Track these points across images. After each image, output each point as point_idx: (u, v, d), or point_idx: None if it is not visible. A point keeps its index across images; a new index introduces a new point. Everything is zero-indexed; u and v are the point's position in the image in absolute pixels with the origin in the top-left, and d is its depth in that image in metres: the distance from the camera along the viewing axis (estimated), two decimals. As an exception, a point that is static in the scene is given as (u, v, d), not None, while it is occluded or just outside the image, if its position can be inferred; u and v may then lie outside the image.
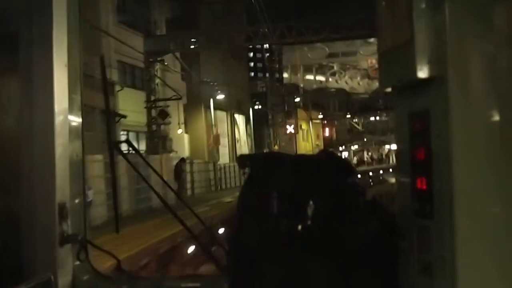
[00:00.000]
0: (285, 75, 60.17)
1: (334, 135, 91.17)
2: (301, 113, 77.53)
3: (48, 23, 2.51)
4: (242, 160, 2.17)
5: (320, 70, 58.67)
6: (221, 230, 14.57)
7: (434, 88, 1.63)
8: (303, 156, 2.66)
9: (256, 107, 63.60)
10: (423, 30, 1.63)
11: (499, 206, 1.58)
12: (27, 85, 2.51)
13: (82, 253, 2.60)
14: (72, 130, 2.65)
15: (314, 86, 61.44)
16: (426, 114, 1.68)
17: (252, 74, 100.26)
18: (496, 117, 1.60)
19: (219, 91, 47.57)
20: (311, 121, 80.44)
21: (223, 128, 52.77)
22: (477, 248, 1.58)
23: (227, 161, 50.11)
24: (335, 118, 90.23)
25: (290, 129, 72.54)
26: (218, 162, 46.02)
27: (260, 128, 64.90)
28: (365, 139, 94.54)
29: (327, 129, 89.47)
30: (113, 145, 2.81)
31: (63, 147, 2.55)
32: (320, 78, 59.41)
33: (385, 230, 1.91)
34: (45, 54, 2.50)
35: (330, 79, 58.60)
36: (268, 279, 1.92)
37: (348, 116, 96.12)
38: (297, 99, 78.63)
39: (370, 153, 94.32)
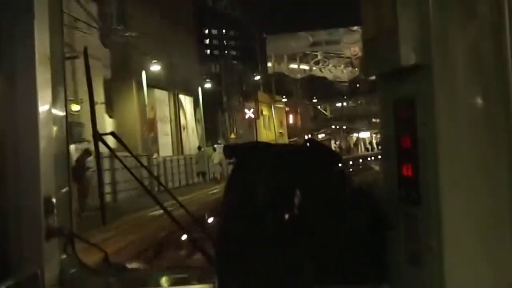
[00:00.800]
0: (269, 64, 60.01)
1: (299, 122, 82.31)
2: (262, 96, 66.90)
3: (30, 15, 2.48)
4: (227, 151, 2.17)
5: (304, 59, 58.63)
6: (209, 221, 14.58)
7: (419, 75, 1.63)
8: (288, 145, 2.67)
9: (207, 85, 51.56)
10: (407, 17, 1.63)
11: (485, 193, 1.59)
12: (9, 79, 2.48)
13: (68, 247, 2.59)
14: (56, 123, 2.63)
15: (299, 75, 61.31)
16: (412, 102, 1.68)
17: (208, 51, 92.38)
18: (481, 104, 1.60)
19: (154, 61, 37.56)
20: (274, 106, 70.74)
21: (163, 111, 42.51)
22: (464, 235, 1.59)
23: (170, 153, 41.03)
24: (300, 103, 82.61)
25: (249, 113, 61.83)
26: (155, 156, 36.39)
27: (212, 112, 53.78)
28: (332, 127, 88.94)
29: (291, 116, 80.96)
30: (98, 137, 2.79)
31: (47, 140, 2.53)
32: (304, 67, 59.38)
33: (372, 218, 1.91)
34: (27, 46, 2.47)
35: (314, 68, 58.59)
36: (255, 270, 1.93)
37: (315, 101, 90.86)
38: (257, 77, 67.36)
39: (338, 142, 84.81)
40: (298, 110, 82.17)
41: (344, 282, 1.87)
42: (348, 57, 56.28)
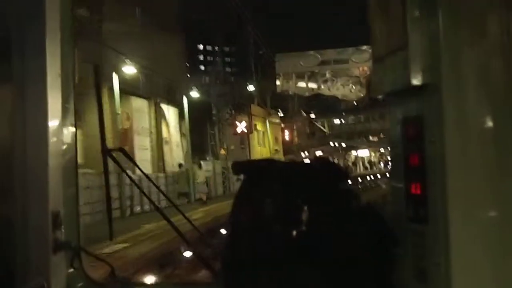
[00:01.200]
0: (278, 82, 60.14)
1: (296, 139, 76.10)
2: (256, 109, 59.11)
3: (41, 31, 2.50)
4: (236, 167, 2.18)
5: (313, 77, 58.76)
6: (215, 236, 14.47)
7: (428, 94, 1.64)
8: (296, 162, 2.67)
9: (194, 95, 43.68)
10: (417, 37, 1.64)
11: (494, 211, 1.59)
12: (20, 94, 2.50)
13: (75, 260, 2.59)
14: (65, 138, 2.64)
15: (307, 94, 61.30)
16: (420, 120, 1.68)
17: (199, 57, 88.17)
18: (490, 123, 1.61)
19: (127, 61, 31.30)
20: (269, 120, 64.82)
21: (142, 122, 36.53)
22: (471, 253, 1.59)
23: (149, 170, 34.06)
24: (297, 119, 77.71)
25: (241, 127, 52.61)
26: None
27: (200, 125, 46.05)
28: (331, 144, 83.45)
29: (287, 132, 74.24)
30: (106, 153, 2.80)
31: (56, 156, 2.54)
32: (313, 85, 59.50)
33: (379, 235, 1.91)
34: (38, 63, 2.49)
35: (322, 86, 58.68)
36: (261, 285, 1.92)
37: (313, 116, 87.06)
38: (251, 88, 59.31)
39: (335, 160, 78.96)
40: (295, 126, 77.29)
41: None
42: (356, 76, 56.34)
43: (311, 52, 57.83)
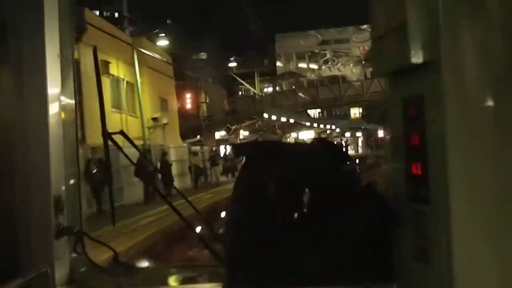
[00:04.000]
0: (278, 63, 59.94)
1: (203, 109, 49.92)
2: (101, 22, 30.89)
3: (39, 12, 2.49)
4: (236, 150, 2.17)
5: (313, 58, 58.47)
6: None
7: (428, 73, 1.63)
8: (298, 143, 2.67)
9: None
10: (416, 14, 1.63)
11: (495, 190, 1.59)
12: (19, 76, 2.49)
13: (78, 245, 2.60)
14: (66, 121, 2.64)
15: (308, 75, 60.93)
16: (421, 100, 1.68)
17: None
18: (490, 101, 1.60)
19: None
20: (143, 61, 34.01)
21: None
22: (473, 233, 1.58)
23: None
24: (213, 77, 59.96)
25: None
26: None
27: None
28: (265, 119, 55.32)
29: (188, 95, 49.54)
30: (107, 136, 2.80)
31: (57, 139, 2.54)
32: (313, 66, 59.24)
33: (380, 216, 1.91)
34: (37, 44, 2.48)
35: (323, 67, 58.40)
36: (264, 268, 1.93)
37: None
38: None
39: None
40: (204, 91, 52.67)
41: (351, 279, 1.87)
42: (357, 56, 56.10)
43: (312, 32, 57.56)
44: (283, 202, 1.95)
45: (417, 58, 1.63)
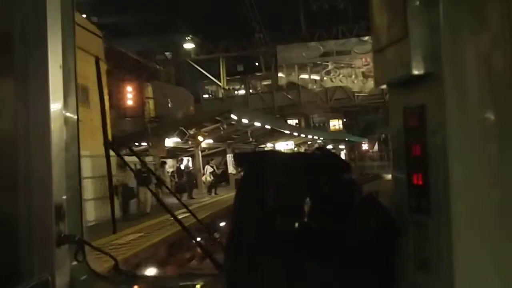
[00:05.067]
0: (280, 74, 59.96)
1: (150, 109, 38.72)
2: None
3: (43, 23, 2.50)
4: (237, 159, 2.18)
5: (315, 69, 58.54)
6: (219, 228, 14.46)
7: (429, 84, 1.64)
8: (298, 154, 2.67)
9: None
10: (418, 27, 1.64)
11: (496, 201, 1.59)
12: (22, 86, 2.50)
13: (79, 254, 2.60)
14: (68, 131, 2.65)
15: (310, 86, 60.76)
16: (422, 110, 1.68)
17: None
18: (491, 113, 1.60)
19: None
20: None
21: None
22: (474, 243, 1.59)
23: None
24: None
25: None
26: None
27: None
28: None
29: (128, 89, 38.30)
30: (108, 145, 2.81)
31: (59, 148, 2.54)
32: (315, 77, 59.31)
33: (382, 226, 1.91)
34: (39, 55, 2.49)
35: (325, 78, 58.46)
36: (265, 278, 1.93)
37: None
38: None
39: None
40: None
41: None
42: (359, 67, 56.17)
43: (313, 43, 57.66)
44: (284, 212, 1.95)
45: (418, 69, 1.64)
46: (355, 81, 56.51)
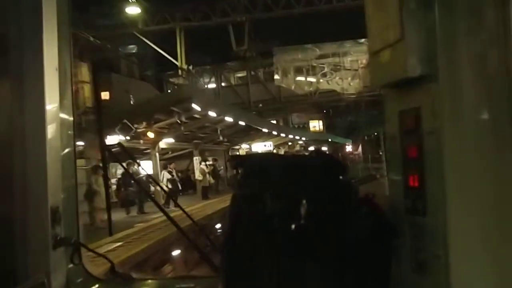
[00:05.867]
0: (276, 76, 59.87)
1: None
2: None
3: (38, 26, 2.51)
4: (234, 161, 2.18)
5: (312, 71, 58.49)
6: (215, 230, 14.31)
7: (425, 85, 1.64)
8: (295, 156, 2.67)
9: None
10: (414, 29, 1.65)
11: (492, 202, 1.60)
12: (18, 89, 2.51)
13: (75, 256, 2.60)
14: (63, 133, 2.65)
15: (306, 88, 60.54)
16: (417, 112, 1.69)
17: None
18: (487, 114, 1.61)
19: None
20: None
21: None
22: (470, 245, 1.59)
23: None
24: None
25: None
26: None
27: None
28: None
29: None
30: (105, 149, 2.81)
31: (55, 151, 2.55)
32: (311, 79, 59.27)
33: (378, 228, 1.92)
34: (35, 57, 2.50)
35: (321, 80, 58.40)
36: (261, 280, 1.93)
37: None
38: None
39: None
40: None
41: None
42: (355, 69, 56.13)
43: (309, 46, 57.62)
44: (281, 213, 1.95)
45: (413, 71, 1.64)
46: (351, 83, 56.44)
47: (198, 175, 34.59)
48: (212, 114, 28.62)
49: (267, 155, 2.18)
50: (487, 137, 1.61)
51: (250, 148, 45.71)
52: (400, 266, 1.85)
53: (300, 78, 59.02)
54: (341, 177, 2.04)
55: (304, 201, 1.94)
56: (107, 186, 3.38)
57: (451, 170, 1.58)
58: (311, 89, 56.98)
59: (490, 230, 1.60)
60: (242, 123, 34.58)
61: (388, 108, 1.93)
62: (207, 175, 35.14)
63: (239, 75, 56.53)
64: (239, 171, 2.13)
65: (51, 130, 2.52)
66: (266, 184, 2.00)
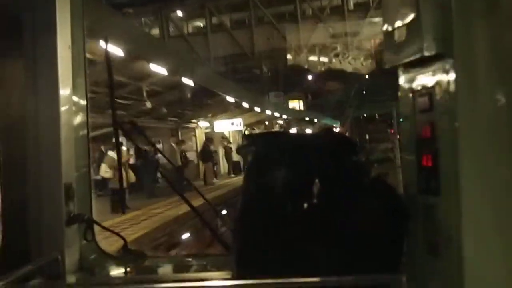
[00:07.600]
0: (288, 56, 59.38)
1: None
2: None
3: (52, 5, 2.50)
4: (247, 139, 2.18)
5: (324, 51, 58.00)
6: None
7: (440, 65, 1.63)
8: (307, 134, 2.67)
9: None
10: (429, 8, 1.63)
11: (505, 182, 1.59)
12: (31, 68, 2.51)
13: (88, 233, 2.62)
14: (77, 111, 2.66)
15: (318, 68, 59.87)
16: (432, 92, 1.68)
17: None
18: (502, 94, 1.59)
19: None
20: None
21: None
22: (483, 225, 1.58)
23: None
24: None
25: None
26: None
27: None
28: None
29: None
30: (118, 126, 2.82)
31: (68, 128, 2.56)
32: (324, 59, 58.78)
33: (391, 208, 1.91)
34: (48, 36, 2.50)
35: (333, 60, 57.92)
36: (273, 258, 1.94)
37: None
38: None
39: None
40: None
41: (362, 271, 1.88)
42: (368, 49, 55.64)
43: (322, 25, 57.15)
44: (293, 192, 1.95)
45: (429, 50, 1.63)
46: (364, 63, 56.01)
47: (104, 171, 20.14)
48: (118, 53, 14.65)
49: (280, 133, 2.18)
50: (502, 116, 1.59)
51: (212, 127, 33.95)
52: (412, 246, 1.85)
53: (313, 58, 58.50)
54: (352, 156, 2.04)
55: (315, 180, 1.94)
56: (120, 163, 3.40)
57: (465, 149, 1.57)
58: (323, 69, 55.43)
59: (504, 211, 1.59)
60: (189, 82, 21.45)
61: (401, 88, 1.91)
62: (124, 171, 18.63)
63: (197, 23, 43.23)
64: (251, 150, 2.14)
65: (64, 108, 2.53)
66: (278, 162, 2.00)
